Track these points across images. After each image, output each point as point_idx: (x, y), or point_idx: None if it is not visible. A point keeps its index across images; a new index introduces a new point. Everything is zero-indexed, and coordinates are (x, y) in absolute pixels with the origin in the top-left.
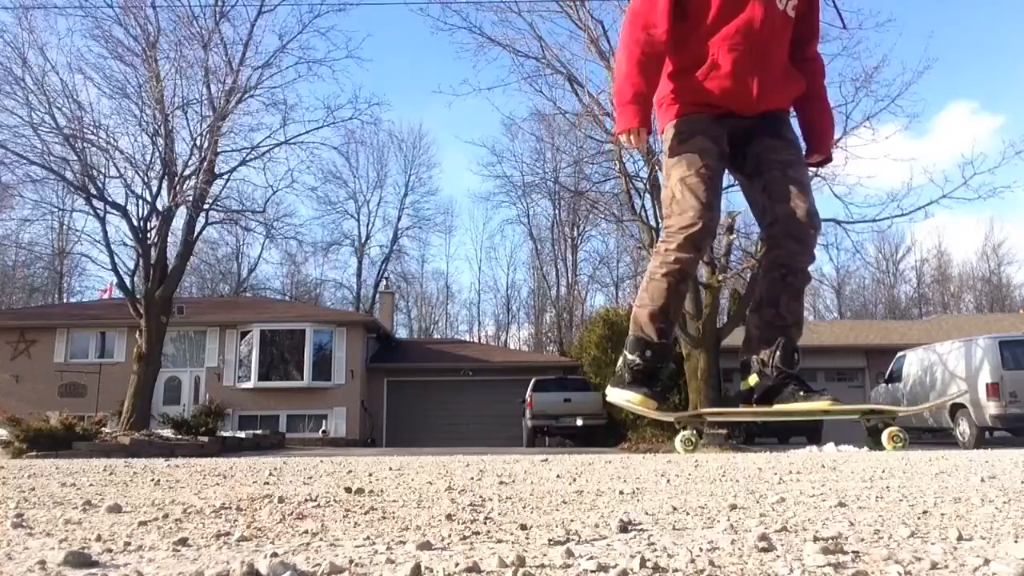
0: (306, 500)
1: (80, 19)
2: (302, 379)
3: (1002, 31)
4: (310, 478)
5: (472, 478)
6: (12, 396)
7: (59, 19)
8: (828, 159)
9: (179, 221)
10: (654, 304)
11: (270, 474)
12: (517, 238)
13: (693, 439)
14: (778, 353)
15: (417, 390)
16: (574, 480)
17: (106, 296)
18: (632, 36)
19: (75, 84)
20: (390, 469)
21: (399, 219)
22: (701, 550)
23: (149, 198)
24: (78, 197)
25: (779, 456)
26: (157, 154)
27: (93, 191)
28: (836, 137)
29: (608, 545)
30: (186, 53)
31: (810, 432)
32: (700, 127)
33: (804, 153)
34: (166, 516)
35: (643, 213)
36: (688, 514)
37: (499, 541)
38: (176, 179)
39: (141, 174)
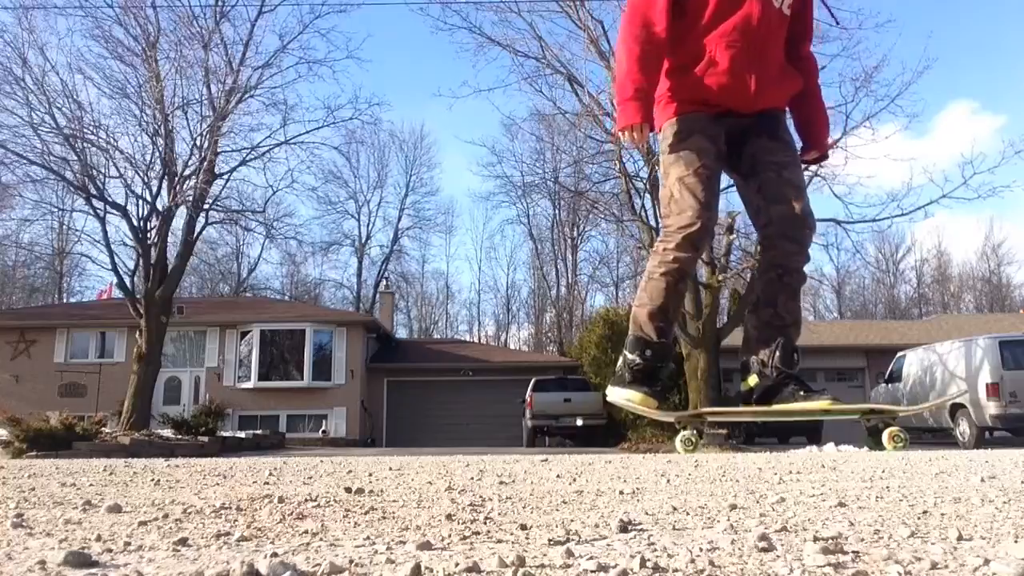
0: (306, 500)
1: (80, 19)
2: (302, 379)
3: (1002, 31)
4: (310, 478)
5: (472, 478)
6: (12, 396)
7: (59, 19)
8: (824, 156)
9: (179, 221)
10: (653, 303)
11: (270, 474)
12: (517, 238)
13: (693, 439)
14: (777, 353)
15: (417, 390)
16: (574, 480)
17: (105, 296)
18: (631, 33)
19: (75, 84)
20: (390, 469)
21: (399, 219)
22: (701, 550)
23: (149, 198)
24: (78, 197)
25: (779, 456)
26: (157, 154)
27: (93, 191)
28: (836, 137)
29: (608, 545)
30: (186, 53)
31: (810, 432)
32: (698, 126)
33: (800, 151)
34: (166, 516)
35: (643, 213)
36: (688, 514)
37: (499, 541)
38: (176, 179)
39: (141, 174)
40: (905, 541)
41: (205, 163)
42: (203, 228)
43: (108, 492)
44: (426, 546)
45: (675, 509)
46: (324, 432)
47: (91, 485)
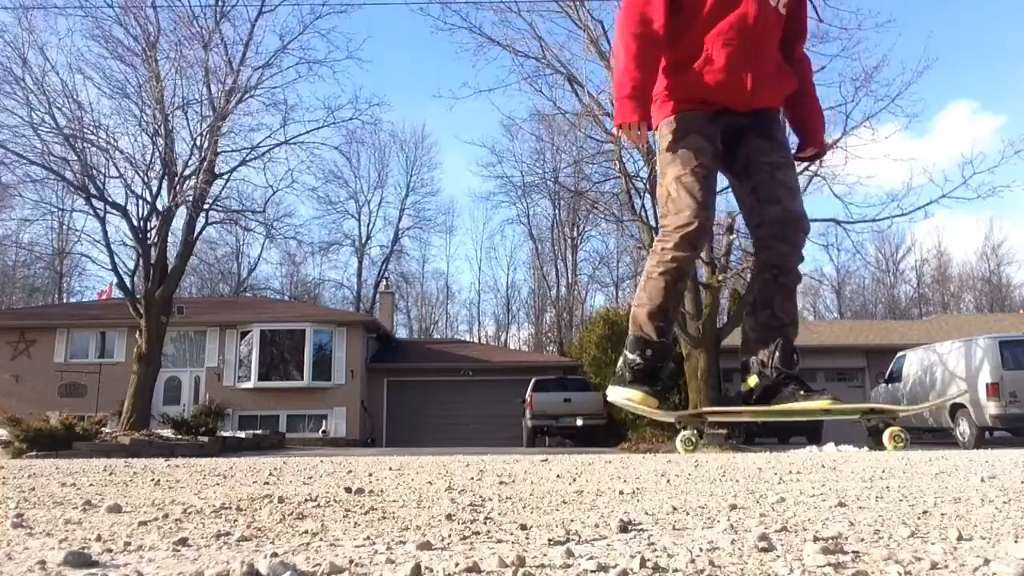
0: (306, 500)
1: (80, 19)
2: (302, 379)
3: (1002, 31)
4: (310, 478)
5: (472, 478)
6: (12, 396)
7: (59, 19)
8: (821, 153)
9: (179, 221)
10: (652, 303)
11: (270, 474)
12: (517, 238)
13: (693, 439)
14: (777, 353)
15: (417, 390)
16: (574, 480)
17: (105, 297)
18: (629, 30)
19: (75, 84)
20: (390, 469)
21: (400, 219)
22: (701, 550)
23: (149, 198)
24: (78, 197)
25: (779, 456)
26: (157, 154)
27: (93, 191)
28: (836, 137)
29: (608, 545)
30: (186, 53)
31: (810, 432)
32: (695, 125)
33: (796, 148)
34: (166, 516)
35: (643, 213)
36: (688, 514)
37: (499, 541)
38: (176, 179)
39: (141, 174)
40: (905, 541)
41: (205, 163)
42: (203, 228)
43: (108, 492)
44: (426, 546)
45: (675, 509)
46: (324, 432)
47: (91, 485)
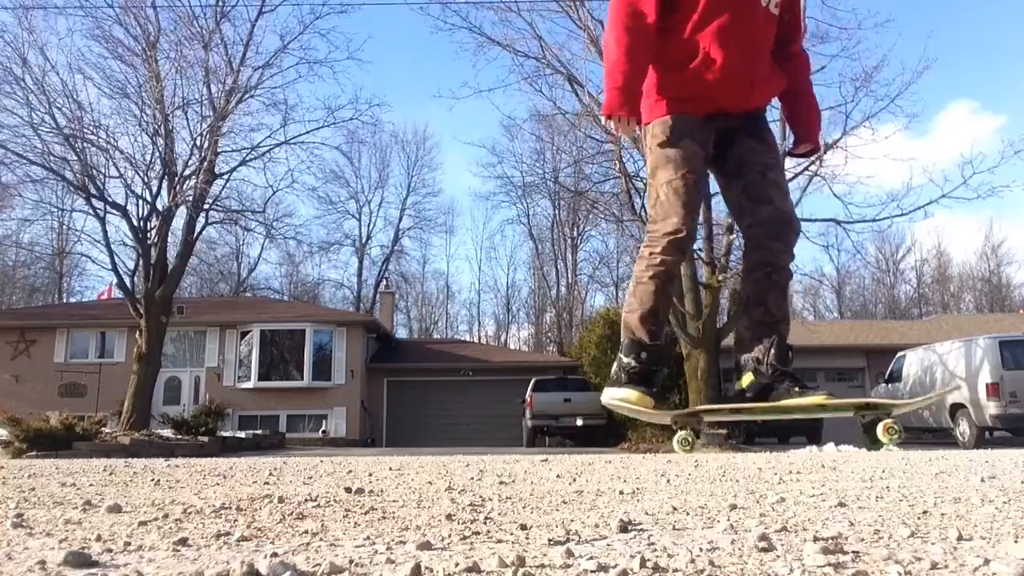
0: (306, 500)
1: (80, 19)
2: (302, 379)
3: (1002, 31)
4: (310, 478)
5: (472, 478)
6: (12, 396)
7: (59, 19)
8: (815, 149)
9: (179, 221)
10: (643, 307)
11: (270, 474)
12: (517, 238)
13: (690, 439)
14: (772, 351)
15: (417, 390)
16: (574, 480)
17: (104, 297)
18: (621, 22)
19: (75, 84)
20: (390, 469)
21: (400, 219)
22: (701, 550)
23: (149, 198)
24: (78, 197)
25: (779, 456)
26: (157, 154)
27: (93, 191)
28: (836, 137)
29: (608, 545)
30: (186, 53)
31: (810, 432)
32: (688, 130)
33: (792, 144)
34: (166, 516)
35: (643, 213)
36: (688, 514)
37: (499, 541)
38: (176, 179)
39: (141, 174)
40: (905, 541)
41: (205, 163)
42: (203, 228)
43: (108, 492)
44: (426, 546)
45: (675, 509)
46: (324, 432)
47: (91, 485)
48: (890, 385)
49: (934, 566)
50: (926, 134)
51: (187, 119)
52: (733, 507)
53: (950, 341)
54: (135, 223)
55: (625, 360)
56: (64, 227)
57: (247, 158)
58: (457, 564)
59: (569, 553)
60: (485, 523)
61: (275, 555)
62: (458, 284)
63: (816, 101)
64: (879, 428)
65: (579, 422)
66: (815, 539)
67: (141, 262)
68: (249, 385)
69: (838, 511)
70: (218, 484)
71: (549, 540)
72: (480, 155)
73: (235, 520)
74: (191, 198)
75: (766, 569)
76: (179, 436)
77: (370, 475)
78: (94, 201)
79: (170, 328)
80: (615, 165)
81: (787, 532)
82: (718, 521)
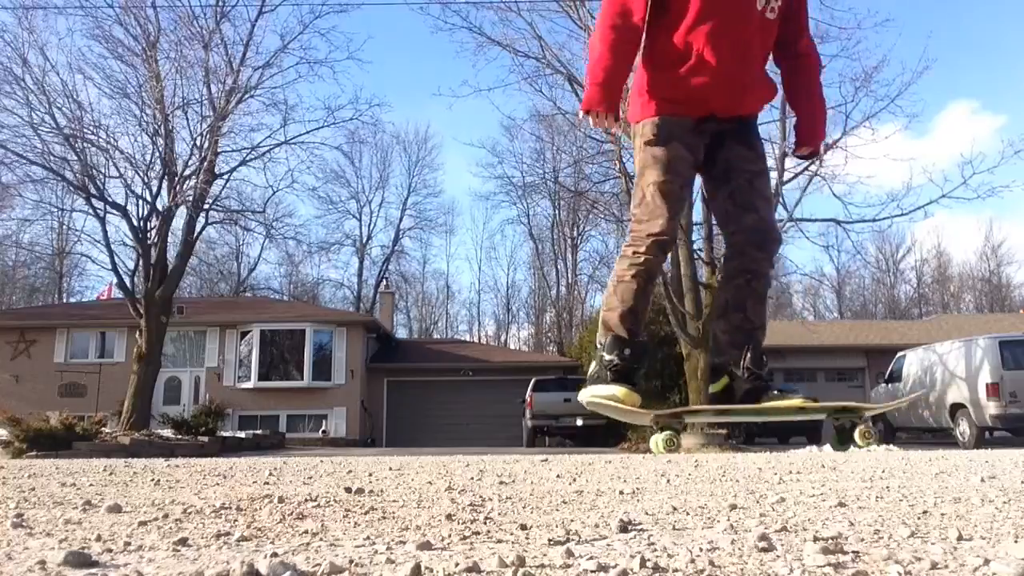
0: (306, 500)
1: (80, 19)
2: (302, 379)
3: (1003, 30)
4: (310, 478)
5: (472, 478)
6: (12, 396)
7: (59, 19)
8: (816, 152)
9: (179, 221)
10: (624, 305)
11: (270, 474)
12: (517, 238)
13: (675, 439)
14: (748, 355)
15: (417, 390)
16: (574, 480)
17: (104, 297)
18: (608, 20)
19: (75, 84)
20: (390, 469)
21: (401, 219)
22: (701, 550)
23: (149, 198)
24: (78, 197)
25: (779, 456)
26: (157, 154)
27: (93, 191)
28: (836, 137)
29: (608, 545)
30: (186, 53)
31: (810, 432)
32: (678, 132)
33: (795, 146)
34: (166, 516)
35: None
36: (688, 514)
37: (499, 541)
38: (176, 179)
39: (141, 174)
40: (905, 541)
41: (205, 163)
42: (203, 228)
43: (108, 492)
44: (426, 546)
45: (675, 509)
46: (324, 432)
47: (91, 485)
48: (890, 385)
49: (934, 566)
50: (926, 134)
51: (187, 119)
52: (733, 507)
53: (950, 341)
54: (135, 223)
55: (608, 357)
56: (64, 227)
57: (247, 158)
58: (457, 564)
59: (569, 553)
60: (485, 523)
61: (275, 555)
62: (458, 284)
63: (824, 103)
64: (856, 433)
65: (579, 422)
66: (815, 539)
67: (141, 262)
68: (249, 385)
69: (838, 511)
70: (218, 484)
71: (549, 540)
72: (480, 155)
73: (235, 520)
74: (191, 198)
75: (766, 569)
76: (179, 436)
77: (370, 475)
78: (94, 201)
79: (170, 328)
80: (615, 165)
81: (787, 532)
82: (718, 521)
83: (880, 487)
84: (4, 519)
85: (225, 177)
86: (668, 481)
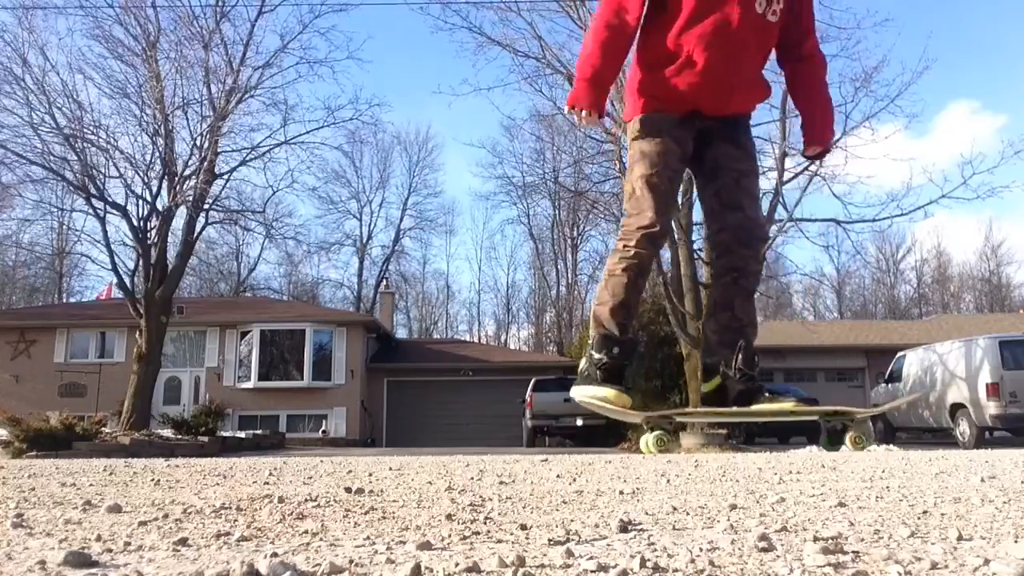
0: (306, 500)
1: (80, 19)
2: (302, 379)
3: (1003, 30)
4: (310, 478)
5: (472, 478)
6: (12, 396)
7: (59, 19)
8: (826, 151)
9: (179, 221)
10: (615, 299)
11: (270, 474)
12: (517, 238)
13: (666, 439)
14: (740, 355)
15: (417, 390)
16: (574, 480)
17: (103, 297)
18: (604, 18)
19: (75, 84)
20: (390, 469)
21: (401, 219)
22: (701, 550)
23: (149, 198)
24: (78, 197)
25: (779, 456)
26: (157, 154)
27: (93, 191)
28: (836, 137)
29: (608, 545)
30: (186, 53)
31: (810, 432)
32: (665, 127)
33: (804, 146)
34: (166, 516)
35: None
36: (688, 514)
37: (499, 541)
38: (176, 179)
39: (141, 174)
40: (905, 541)
41: (205, 163)
42: (203, 228)
43: (108, 492)
44: (426, 546)
45: (675, 509)
46: (324, 432)
47: (91, 485)
48: (890, 385)
49: (934, 566)
50: (927, 134)
51: (187, 119)
52: (733, 507)
53: (950, 341)
54: (135, 223)
55: (597, 356)
56: (64, 227)
57: (247, 158)
58: (457, 564)
59: (569, 553)
60: (485, 523)
61: (275, 555)
62: (458, 284)
63: (830, 103)
64: (847, 439)
65: (579, 422)
66: (815, 539)
67: (141, 262)
68: (249, 385)
69: (838, 511)
70: (218, 484)
71: (549, 540)
72: (480, 155)
73: (235, 520)
74: (191, 198)
75: (766, 569)
76: (179, 436)
77: (370, 475)
78: (94, 201)
79: (170, 328)
80: (615, 165)
81: (787, 532)
82: (718, 521)
83: (880, 487)
84: (4, 519)
85: (225, 177)
86: (668, 481)
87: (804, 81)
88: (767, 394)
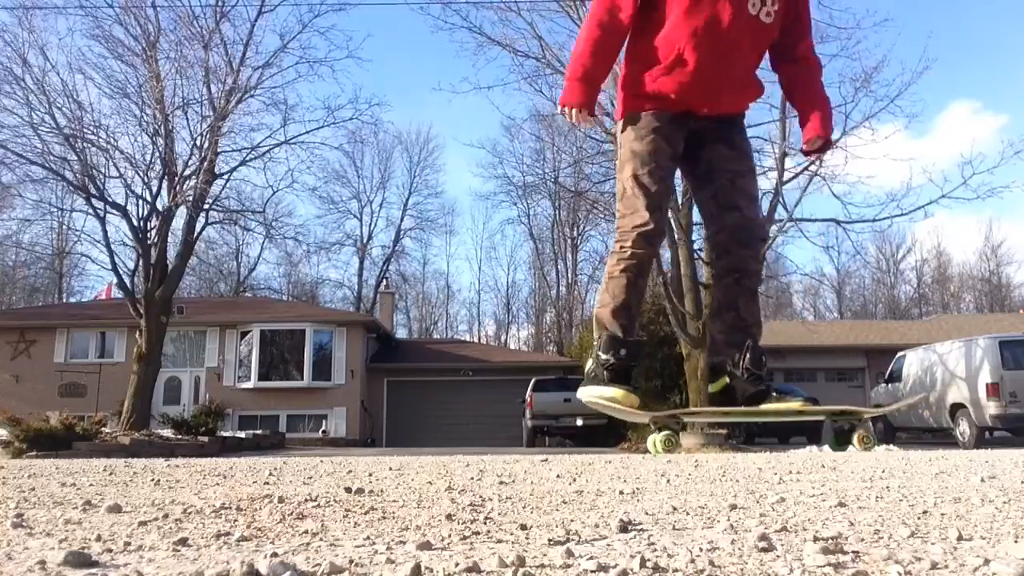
0: (306, 500)
1: (80, 19)
2: (302, 379)
3: (1004, 30)
4: (310, 478)
5: (472, 478)
6: (12, 396)
7: (59, 19)
8: (827, 144)
9: (179, 221)
10: (616, 301)
11: (270, 474)
12: (517, 238)
13: (673, 439)
14: (747, 355)
15: (417, 390)
16: (574, 480)
17: (103, 297)
18: (597, 17)
19: (75, 84)
20: (390, 469)
21: (402, 220)
22: (701, 550)
23: (149, 198)
24: (78, 197)
25: (779, 456)
26: (157, 154)
27: (93, 191)
28: (836, 137)
29: (608, 545)
30: (186, 53)
31: (810, 432)
32: (656, 126)
33: (803, 143)
34: (166, 516)
35: None
36: (688, 514)
37: (499, 541)
38: (176, 179)
39: (141, 174)
40: (905, 541)
41: (205, 163)
42: (203, 228)
43: (108, 492)
44: (426, 546)
45: (675, 509)
46: (324, 432)
47: (91, 485)
48: (890, 385)
49: (934, 566)
50: (927, 134)
51: (187, 119)
52: (733, 507)
53: (950, 341)
54: (135, 223)
55: (604, 357)
56: (64, 227)
57: (247, 158)
58: (457, 564)
59: (569, 553)
60: (485, 523)
61: (275, 555)
62: (458, 284)
63: (827, 100)
64: (854, 439)
65: (579, 422)
66: (815, 539)
67: (141, 262)
68: (249, 385)
69: (838, 511)
70: (218, 484)
71: (549, 540)
72: (481, 155)
73: (235, 520)
74: (191, 198)
75: (766, 569)
76: (179, 436)
77: (370, 475)
78: (94, 201)
79: (170, 328)
80: (615, 165)
81: (787, 532)
82: (718, 521)
83: (880, 487)
84: (4, 519)
85: (225, 177)
86: (668, 481)
87: (800, 83)
88: (774, 394)
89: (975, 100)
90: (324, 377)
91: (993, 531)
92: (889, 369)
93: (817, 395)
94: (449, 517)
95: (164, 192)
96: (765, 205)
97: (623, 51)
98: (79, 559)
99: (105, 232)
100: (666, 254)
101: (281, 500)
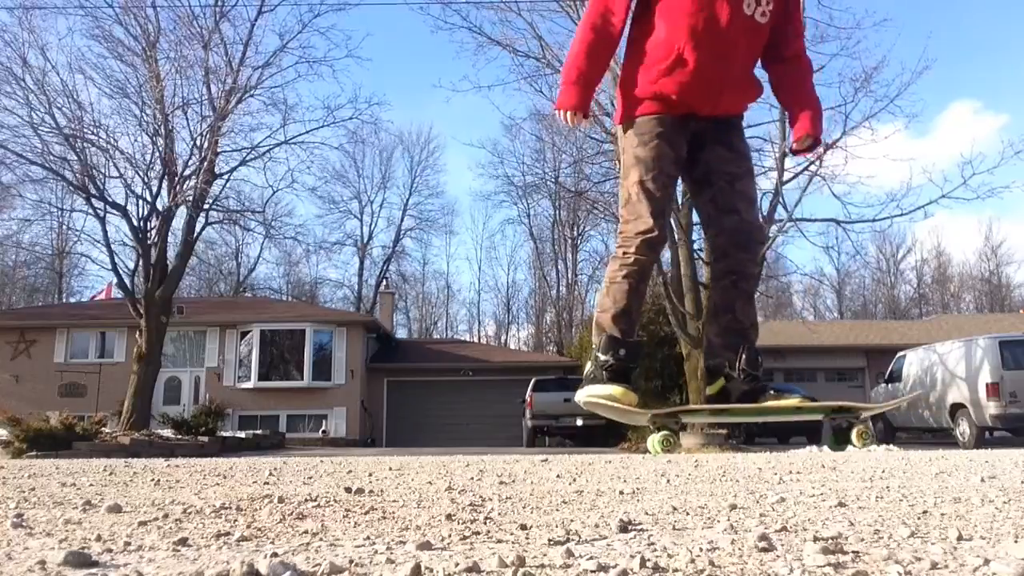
0: (306, 500)
1: (80, 19)
2: (302, 379)
3: (1004, 30)
4: (310, 478)
5: (472, 478)
6: (12, 396)
7: (59, 19)
8: (816, 143)
9: (179, 221)
10: (616, 306)
11: (270, 474)
12: (517, 238)
13: (672, 439)
14: (744, 356)
15: (417, 390)
16: (574, 480)
17: (102, 297)
18: (590, 20)
19: (75, 84)
20: (390, 469)
21: (402, 220)
22: (701, 550)
23: (149, 198)
24: (78, 197)
25: (779, 456)
26: (157, 154)
27: (93, 191)
28: (836, 137)
29: (608, 545)
30: (186, 53)
31: (810, 432)
32: (659, 130)
33: (792, 144)
34: (166, 516)
35: None
36: (688, 514)
37: (499, 541)
38: (176, 179)
39: (141, 174)
40: (905, 541)
41: (205, 163)
42: (203, 228)
43: (108, 492)
44: (426, 546)
45: (675, 509)
46: (324, 432)
47: (91, 485)
48: (890, 385)
49: (934, 566)
50: (928, 134)
51: (187, 119)
52: (733, 507)
53: (950, 341)
54: (135, 223)
55: (603, 358)
56: (64, 227)
57: (247, 158)
58: (457, 564)
59: (569, 553)
60: (485, 523)
61: (275, 555)
62: (458, 284)
63: (818, 99)
64: (853, 433)
65: (579, 422)
66: (815, 539)
67: (141, 262)
68: (249, 385)
69: (838, 511)
70: (218, 484)
71: (549, 540)
72: (481, 155)
73: (235, 520)
74: (191, 198)
75: (766, 569)
76: (179, 436)
77: (370, 475)
78: (94, 201)
79: (170, 328)
80: (615, 165)
81: (787, 532)
82: (718, 521)
83: (880, 487)
84: (4, 519)
85: (225, 177)
86: (668, 481)
87: (790, 82)
88: (772, 392)
89: (975, 100)
90: (324, 377)
91: (993, 531)
92: (889, 369)
93: (817, 395)
94: (449, 517)
95: (164, 192)
96: (765, 205)
97: (622, 52)
98: (79, 559)
99: (105, 232)
100: (666, 254)
101: (281, 500)
